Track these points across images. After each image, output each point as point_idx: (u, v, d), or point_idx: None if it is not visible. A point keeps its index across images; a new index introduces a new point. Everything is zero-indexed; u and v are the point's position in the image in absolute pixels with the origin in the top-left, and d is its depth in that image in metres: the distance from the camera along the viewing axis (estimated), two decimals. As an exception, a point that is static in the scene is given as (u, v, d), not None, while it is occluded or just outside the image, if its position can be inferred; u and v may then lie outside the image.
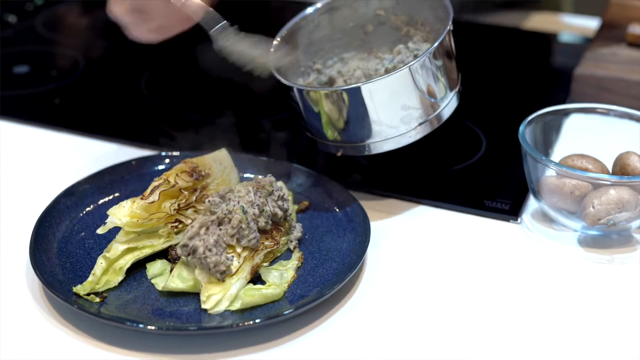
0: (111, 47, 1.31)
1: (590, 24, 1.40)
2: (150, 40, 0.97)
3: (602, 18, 1.29)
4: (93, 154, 1.06)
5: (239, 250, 0.84)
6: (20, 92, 1.20)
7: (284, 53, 0.95)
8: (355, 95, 0.91)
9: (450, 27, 0.94)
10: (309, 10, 1.03)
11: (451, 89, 0.96)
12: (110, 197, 0.95)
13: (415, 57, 0.96)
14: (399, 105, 0.92)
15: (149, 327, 0.78)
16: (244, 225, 0.84)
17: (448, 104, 0.96)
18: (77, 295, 0.82)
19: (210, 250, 0.82)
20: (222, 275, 0.82)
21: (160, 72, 1.26)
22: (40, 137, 1.10)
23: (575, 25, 1.42)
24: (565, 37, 1.39)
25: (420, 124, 0.94)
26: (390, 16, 1.05)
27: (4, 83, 1.22)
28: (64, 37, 1.36)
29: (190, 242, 0.83)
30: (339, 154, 0.96)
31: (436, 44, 0.92)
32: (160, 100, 1.18)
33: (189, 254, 0.83)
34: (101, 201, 0.95)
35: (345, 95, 0.91)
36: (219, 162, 0.94)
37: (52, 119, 1.13)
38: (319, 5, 1.03)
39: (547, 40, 1.38)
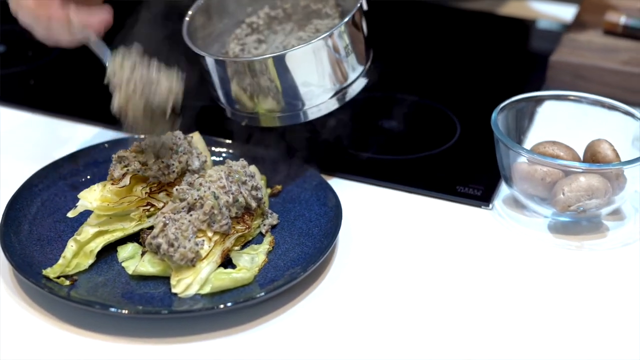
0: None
1: (567, 11, 1.40)
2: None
3: (580, 5, 1.29)
4: (67, 136, 1.06)
5: (210, 234, 0.84)
6: (-5, 73, 1.20)
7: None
8: (257, 67, 0.91)
9: (360, 4, 0.94)
10: None
11: (359, 66, 0.96)
12: (83, 179, 0.95)
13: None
14: (300, 81, 0.92)
15: (118, 310, 0.78)
16: (216, 211, 0.84)
17: (354, 82, 0.96)
18: (47, 278, 0.82)
19: (172, 245, 0.82)
20: (191, 262, 0.82)
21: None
22: (14, 118, 1.10)
23: (552, 13, 1.42)
24: (542, 23, 1.39)
25: (324, 102, 0.94)
26: None
27: (-22, 63, 1.22)
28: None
29: (153, 240, 0.83)
30: (243, 123, 0.96)
31: (340, 25, 0.92)
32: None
33: (155, 252, 0.83)
34: (74, 184, 0.94)
35: (248, 67, 0.91)
36: (192, 146, 0.94)
37: (27, 99, 1.13)
38: None
39: (524, 26, 1.38)
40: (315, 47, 0.91)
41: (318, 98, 0.94)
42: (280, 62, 0.91)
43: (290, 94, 0.93)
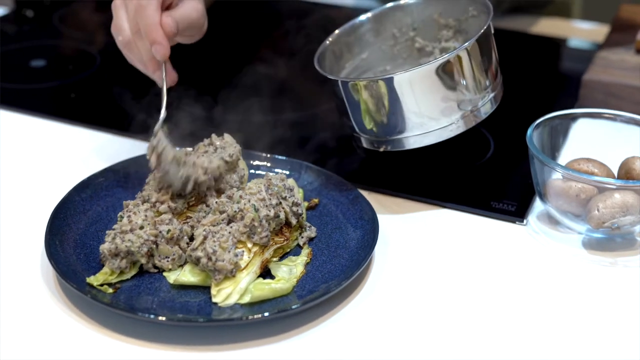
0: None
1: (600, 29, 1.41)
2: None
3: (611, 24, 1.31)
4: (108, 148, 1.09)
5: (249, 245, 0.86)
6: (37, 86, 1.22)
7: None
8: (393, 84, 0.93)
9: (489, 23, 0.96)
10: (361, 17, 1.07)
11: (492, 86, 0.98)
12: (125, 190, 0.97)
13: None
14: (439, 96, 0.94)
15: (160, 317, 0.80)
16: (256, 223, 0.86)
17: (488, 101, 0.98)
18: (91, 285, 0.84)
19: (210, 259, 0.83)
20: (231, 273, 0.84)
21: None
22: (56, 131, 1.13)
23: (585, 31, 1.43)
24: (575, 42, 1.40)
25: (461, 117, 0.96)
26: (440, 20, 1.08)
27: (21, 77, 1.25)
28: (80, 32, 1.38)
29: (193, 253, 0.84)
30: (381, 149, 0.98)
31: (476, 37, 0.94)
32: (175, 97, 1.19)
33: (195, 263, 0.85)
34: (116, 194, 0.96)
35: (384, 86, 0.93)
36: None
37: (68, 112, 1.15)
38: (369, 14, 1.07)
39: (556, 45, 1.39)
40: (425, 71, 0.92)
41: (440, 121, 0.95)
42: (402, 81, 0.93)
43: (407, 116, 0.94)
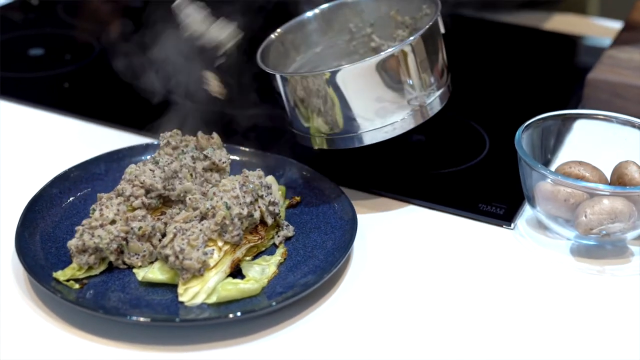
0: (128, 35, 1.32)
1: (617, 26, 1.36)
2: None
3: (624, 22, 1.26)
4: (95, 140, 1.07)
5: (220, 243, 0.84)
6: (32, 75, 1.21)
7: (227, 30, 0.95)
8: (329, 82, 0.89)
9: (434, 20, 0.92)
10: (308, 14, 1.03)
11: (437, 86, 0.94)
12: (104, 183, 0.95)
13: None
14: (373, 96, 0.90)
15: (123, 317, 0.78)
16: (227, 222, 0.84)
17: (432, 102, 0.93)
18: (57, 280, 0.82)
19: (177, 257, 0.81)
20: (198, 272, 0.82)
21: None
22: (45, 120, 1.11)
23: (602, 28, 1.39)
24: (589, 39, 1.36)
25: (400, 119, 0.92)
26: (397, 17, 1.04)
27: (18, 65, 1.24)
28: (82, 22, 1.36)
29: (162, 250, 0.83)
30: (315, 147, 0.95)
31: (413, 38, 0.90)
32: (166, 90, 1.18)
33: (165, 261, 0.83)
34: (94, 187, 0.95)
35: (318, 82, 0.89)
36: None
37: (59, 102, 1.14)
38: (317, 10, 1.03)
39: (568, 42, 1.35)
40: (369, 65, 0.89)
41: (375, 122, 0.91)
42: (334, 79, 0.89)
43: (346, 114, 0.91)
